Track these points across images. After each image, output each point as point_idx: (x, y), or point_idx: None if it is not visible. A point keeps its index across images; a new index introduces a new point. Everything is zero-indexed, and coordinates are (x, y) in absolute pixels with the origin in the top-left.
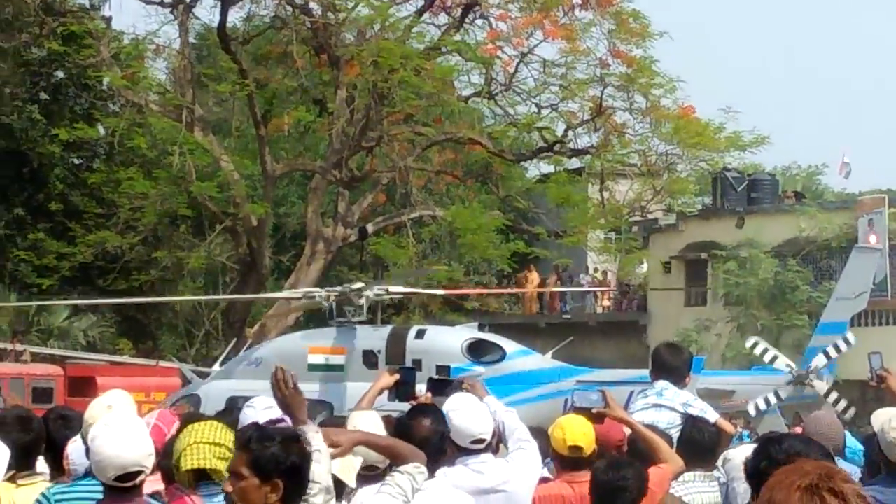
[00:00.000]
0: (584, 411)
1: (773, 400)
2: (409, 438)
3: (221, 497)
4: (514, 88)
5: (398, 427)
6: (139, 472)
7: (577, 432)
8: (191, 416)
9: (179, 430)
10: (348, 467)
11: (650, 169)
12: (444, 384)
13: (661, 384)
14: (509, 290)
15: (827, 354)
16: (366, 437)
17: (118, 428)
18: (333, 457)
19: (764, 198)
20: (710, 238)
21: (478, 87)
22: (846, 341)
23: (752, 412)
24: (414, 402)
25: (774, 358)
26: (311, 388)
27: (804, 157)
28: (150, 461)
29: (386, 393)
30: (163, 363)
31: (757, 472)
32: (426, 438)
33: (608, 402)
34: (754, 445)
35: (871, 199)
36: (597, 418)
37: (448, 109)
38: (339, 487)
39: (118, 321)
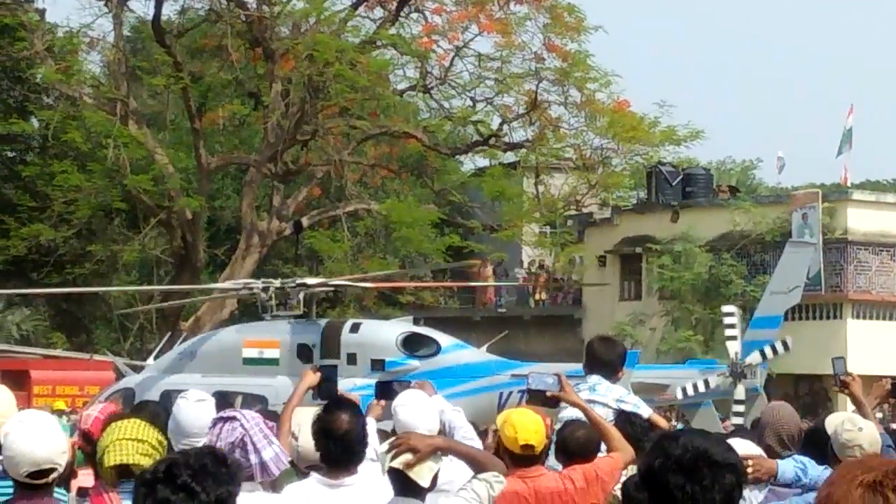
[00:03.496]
0: (539, 394)
1: (701, 387)
2: (331, 433)
3: None
4: (449, 82)
5: (318, 424)
6: (52, 470)
7: (529, 430)
8: (114, 415)
9: (103, 429)
10: (426, 468)
11: (585, 163)
12: (391, 386)
13: (594, 379)
14: (443, 284)
15: (763, 354)
16: (447, 444)
17: (32, 424)
18: (412, 463)
19: (698, 192)
20: (645, 232)
21: (413, 81)
22: (785, 345)
23: (680, 396)
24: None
25: (733, 338)
26: (245, 382)
27: (738, 152)
28: (63, 458)
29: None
30: (97, 357)
31: (651, 472)
32: (348, 431)
33: (563, 385)
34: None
35: (805, 193)
36: (551, 402)
37: (383, 103)
38: (415, 488)
39: (52, 315)
